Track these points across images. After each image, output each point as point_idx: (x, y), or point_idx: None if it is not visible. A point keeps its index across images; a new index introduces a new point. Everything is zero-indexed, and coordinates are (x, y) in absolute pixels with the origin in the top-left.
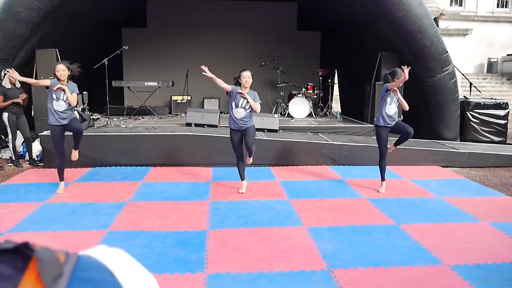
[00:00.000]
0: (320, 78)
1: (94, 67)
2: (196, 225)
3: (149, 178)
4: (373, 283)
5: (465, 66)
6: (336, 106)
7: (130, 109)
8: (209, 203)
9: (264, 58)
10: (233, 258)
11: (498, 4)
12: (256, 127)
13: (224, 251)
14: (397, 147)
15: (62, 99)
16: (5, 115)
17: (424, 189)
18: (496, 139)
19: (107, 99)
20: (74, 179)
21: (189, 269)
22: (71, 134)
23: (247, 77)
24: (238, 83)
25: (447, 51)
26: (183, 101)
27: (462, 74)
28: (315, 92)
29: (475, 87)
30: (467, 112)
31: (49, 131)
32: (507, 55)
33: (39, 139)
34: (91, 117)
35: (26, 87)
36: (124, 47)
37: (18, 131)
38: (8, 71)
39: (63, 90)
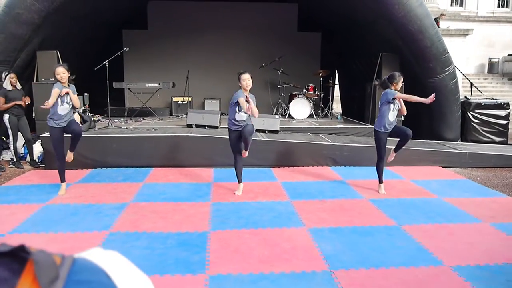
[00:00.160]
0: (321, 79)
1: (95, 69)
2: (198, 226)
3: (150, 179)
4: (374, 284)
5: (466, 66)
6: (336, 107)
7: (131, 111)
8: (210, 204)
9: (265, 59)
10: (234, 259)
11: (498, 4)
12: (257, 128)
13: (225, 252)
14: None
15: (66, 102)
16: (6, 117)
17: (425, 190)
18: (497, 139)
19: (108, 101)
20: (75, 181)
21: (190, 270)
22: (70, 135)
23: (247, 79)
24: (239, 86)
25: (448, 52)
26: (183, 102)
27: (463, 74)
28: (316, 93)
29: (476, 87)
30: (468, 113)
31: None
32: (508, 55)
33: (40, 140)
34: (92, 119)
35: (26, 88)
36: (125, 48)
37: (19, 133)
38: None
39: (67, 93)
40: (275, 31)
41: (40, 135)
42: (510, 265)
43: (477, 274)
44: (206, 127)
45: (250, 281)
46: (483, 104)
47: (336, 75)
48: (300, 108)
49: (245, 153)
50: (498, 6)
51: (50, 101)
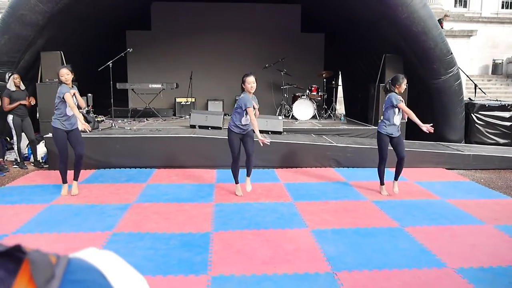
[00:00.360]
0: (324, 80)
1: (99, 70)
2: (200, 227)
3: (153, 180)
4: (377, 285)
5: (470, 67)
6: (340, 108)
7: (135, 111)
8: (213, 205)
9: (268, 60)
10: (237, 260)
11: (502, 5)
12: (260, 129)
13: (228, 253)
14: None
15: (73, 103)
16: (10, 117)
17: (429, 191)
18: (502, 141)
19: (112, 101)
20: (79, 181)
21: (193, 271)
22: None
23: (252, 82)
24: (242, 88)
25: (451, 53)
26: (187, 103)
27: (467, 75)
28: (319, 94)
29: (480, 88)
30: (472, 114)
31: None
32: None
33: (44, 141)
34: (96, 119)
35: (30, 89)
36: (129, 49)
37: (23, 133)
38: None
39: (74, 94)
40: (278, 32)
41: (44, 136)
42: None
43: (481, 276)
44: (210, 128)
45: (253, 282)
46: (487, 105)
47: (340, 76)
48: (303, 109)
49: (249, 184)
50: (502, 7)
51: (72, 107)
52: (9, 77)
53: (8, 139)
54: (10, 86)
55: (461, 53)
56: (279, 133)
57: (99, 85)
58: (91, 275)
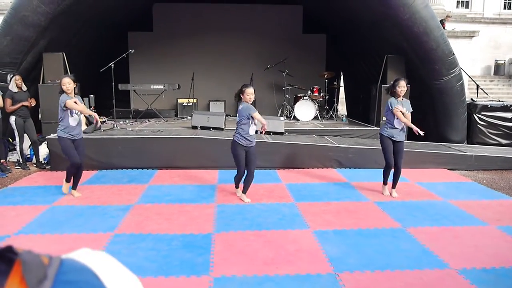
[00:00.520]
0: (326, 80)
1: (101, 71)
2: (202, 228)
3: (155, 181)
4: (379, 286)
5: (472, 68)
6: (342, 108)
7: (136, 112)
8: (215, 206)
9: (270, 61)
10: (239, 261)
11: (505, 6)
12: None
13: (230, 254)
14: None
15: (75, 113)
16: (12, 118)
17: (431, 192)
18: (504, 141)
19: (114, 102)
20: (81, 182)
21: (195, 272)
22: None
23: (251, 94)
24: (239, 97)
25: (453, 53)
26: (189, 104)
27: (469, 76)
28: (321, 94)
29: (482, 89)
30: (474, 115)
31: (56, 135)
32: None
33: (46, 142)
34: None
35: (32, 90)
36: (130, 50)
37: (25, 134)
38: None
39: (75, 102)
40: (280, 33)
41: (46, 137)
42: None
43: (483, 277)
44: (211, 129)
45: (255, 283)
46: (489, 106)
47: (341, 77)
48: (305, 110)
49: (246, 197)
50: (504, 8)
51: (77, 108)
52: (11, 78)
53: (11, 140)
54: (12, 87)
55: (463, 54)
56: (281, 134)
57: (101, 86)
58: (83, 276)
